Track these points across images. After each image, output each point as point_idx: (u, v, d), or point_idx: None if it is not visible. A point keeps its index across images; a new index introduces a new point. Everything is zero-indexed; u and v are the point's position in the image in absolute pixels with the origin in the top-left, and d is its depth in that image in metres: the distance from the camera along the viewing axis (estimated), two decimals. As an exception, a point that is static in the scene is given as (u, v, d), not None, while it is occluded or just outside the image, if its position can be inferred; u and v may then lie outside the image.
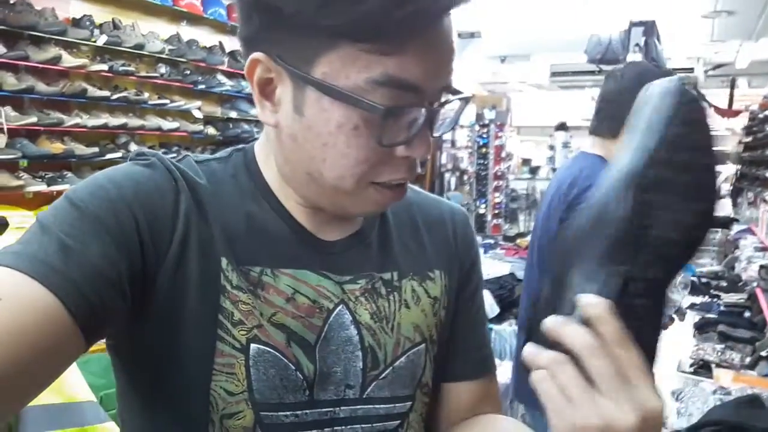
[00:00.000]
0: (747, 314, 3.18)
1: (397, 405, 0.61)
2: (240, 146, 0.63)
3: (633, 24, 4.62)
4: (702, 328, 3.04)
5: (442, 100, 0.54)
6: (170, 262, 0.52)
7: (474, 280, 0.71)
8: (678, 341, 2.91)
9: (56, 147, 3.14)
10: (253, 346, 0.54)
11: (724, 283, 3.87)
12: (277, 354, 0.55)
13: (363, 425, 0.59)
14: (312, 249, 0.59)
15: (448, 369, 0.69)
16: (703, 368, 2.72)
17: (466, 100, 0.56)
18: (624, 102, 1.39)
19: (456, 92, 0.55)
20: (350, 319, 0.59)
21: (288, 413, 0.55)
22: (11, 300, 0.43)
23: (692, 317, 3.32)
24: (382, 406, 0.60)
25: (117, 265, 0.49)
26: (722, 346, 2.77)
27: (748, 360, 2.58)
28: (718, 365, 2.63)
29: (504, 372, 3.01)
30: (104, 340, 0.56)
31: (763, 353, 2.54)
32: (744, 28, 6.36)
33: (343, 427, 0.58)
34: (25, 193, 2.99)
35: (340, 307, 0.59)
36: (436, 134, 0.55)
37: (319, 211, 0.59)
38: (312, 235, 0.60)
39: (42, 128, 3.13)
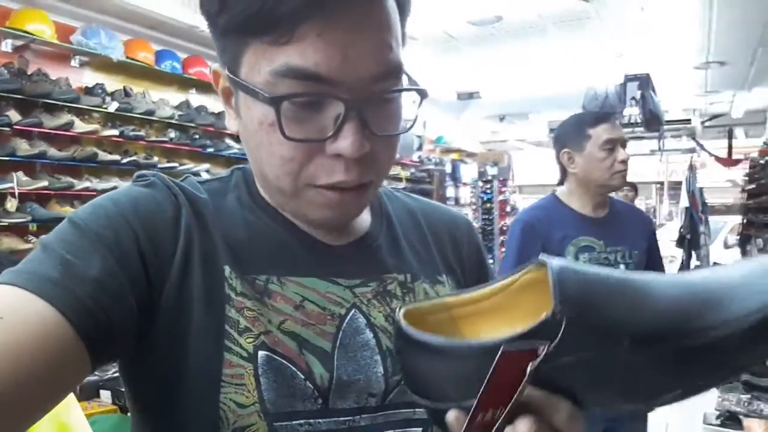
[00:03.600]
0: (771, 361, 3.07)
1: (417, 410, 0.57)
2: (241, 165, 0.64)
3: (628, 78, 4.74)
4: (725, 379, 2.94)
5: (378, 91, 0.50)
6: (174, 276, 0.52)
7: (484, 277, 0.71)
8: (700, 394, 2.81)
9: (66, 210, 3.17)
10: (260, 353, 0.52)
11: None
12: (284, 362, 0.52)
13: None
14: (318, 255, 0.58)
15: None
16: (731, 420, 2.61)
17: (421, 95, 0.53)
18: None
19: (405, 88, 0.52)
20: (365, 323, 0.57)
21: (302, 422, 0.52)
22: (9, 316, 0.42)
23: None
24: (402, 411, 0.57)
25: (118, 279, 0.48)
26: (748, 396, 2.67)
27: (778, 409, 2.48)
28: (747, 416, 2.52)
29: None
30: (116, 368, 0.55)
31: (795, 400, 2.44)
32: (736, 78, 6.53)
33: None
34: (34, 256, 3.00)
35: (352, 312, 0.57)
36: (384, 131, 0.51)
37: None
38: (317, 240, 0.59)
39: (52, 192, 3.17)
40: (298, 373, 0.53)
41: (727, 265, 0.42)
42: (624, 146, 1.80)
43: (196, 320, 0.52)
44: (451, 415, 0.41)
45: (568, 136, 1.83)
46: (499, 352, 0.36)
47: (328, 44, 0.47)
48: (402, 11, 0.53)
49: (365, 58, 0.48)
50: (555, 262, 0.41)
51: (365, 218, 0.64)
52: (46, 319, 0.43)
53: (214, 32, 0.53)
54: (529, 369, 0.36)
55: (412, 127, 0.58)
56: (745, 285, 0.38)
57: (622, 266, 1.80)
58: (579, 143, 1.79)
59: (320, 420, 0.53)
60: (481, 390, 0.37)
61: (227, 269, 0.54)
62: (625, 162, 1.77)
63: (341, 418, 0.54)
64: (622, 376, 0.39)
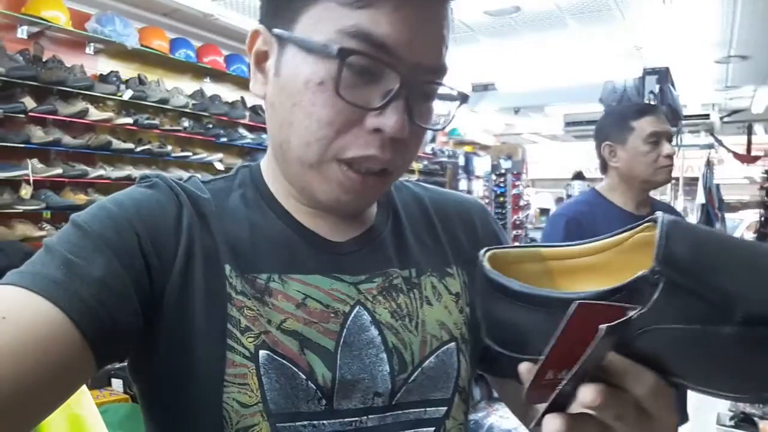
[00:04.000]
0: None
1: (428, 410, 0.56)
2: (246, 163, 0.64)
3: (647, 72, 4.65)
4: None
5: (426, 82, 0.52)
6: (176, 276, 0.52)
7: None
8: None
9: (80, 198, 3.19)
10: (261, 353, 0.51)
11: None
12: (285, 362, 0.52)
13: None
14: (321, 252, 0.58)
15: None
16: (745, 421, 2.58)
17: (462, 98, 0.55)
18: None
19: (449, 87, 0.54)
20: (369, 320, 0.56)
21: (306, 423, 0.51)
22: (12, 316, 0.42)
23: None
24: (412, 410, 0.56)
25: (122, 279, 0.48)
26: (764, 396, 2.63)
27: (794, 411, 2.44)
28: (762, 418, 2.49)
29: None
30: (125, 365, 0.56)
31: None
32: (758, 73, 6.39)
33: None
34: (48, 243, 3.02)
35: (357, 309, 0.56)
36: (421, 123, 0.53)
37: (325, 213, 0.59)
38: (321, 237, 0.58)
39: (67, 180, 3.19)
40: (299, 373, 0.52)
41: None
42: (669, 140, 1.69)
43: (199, 320, 0.51)
44: (523, 367, 0.39)
45: (610, 128, 1.73)
46: (574, 306, 0.31)
47: (401, 20, 0.49)
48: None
49: (428, 47, 0.51)
50: (670, 216, 0.35)
51: (371, 211, 0.63)
52: (50, 320, 0.43)
53: None
54: (600, 330, 0.30)
55: (447, 125, 0.58)
56: None
57: None
58: (622, 136, 1.69)
59: (324, 421, 0.52)
60: (550, 346, 0.32)
61: (227, 268, 0.53)
62: (670, 156, 1.67)
63: (347, 419, 0.53)
64: (726, 356, 0.33)
